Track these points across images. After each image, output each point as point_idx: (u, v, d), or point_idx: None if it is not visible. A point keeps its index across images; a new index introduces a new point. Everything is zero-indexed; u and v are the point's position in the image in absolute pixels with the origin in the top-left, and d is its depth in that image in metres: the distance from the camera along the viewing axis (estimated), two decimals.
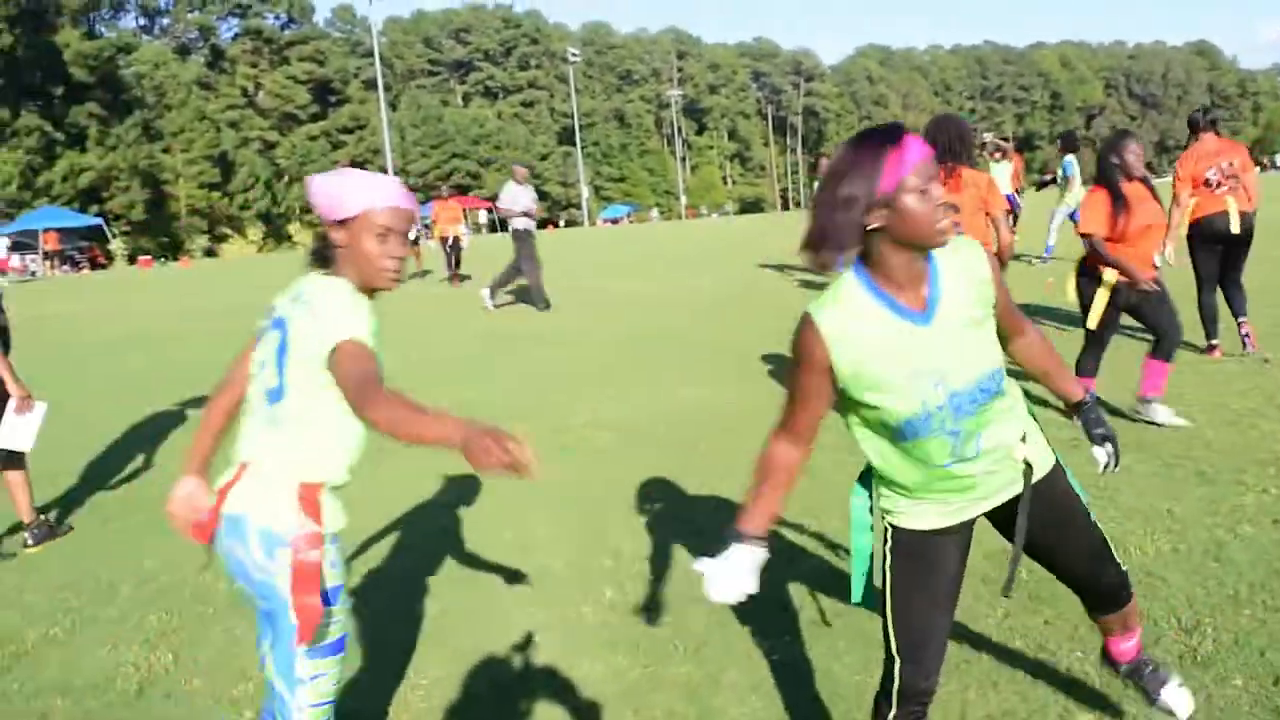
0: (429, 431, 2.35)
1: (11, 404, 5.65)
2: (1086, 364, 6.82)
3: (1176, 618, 3.87)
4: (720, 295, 16.14)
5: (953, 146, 6.16)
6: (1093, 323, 6.71)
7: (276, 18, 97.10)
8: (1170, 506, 5.07)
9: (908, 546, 2.60)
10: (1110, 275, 6.51)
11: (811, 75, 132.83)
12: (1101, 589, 2.86)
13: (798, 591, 4.47)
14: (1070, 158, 17.12)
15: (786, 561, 4.82)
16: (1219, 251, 8.45)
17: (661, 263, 23.86)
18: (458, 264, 21.53)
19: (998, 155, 17.94)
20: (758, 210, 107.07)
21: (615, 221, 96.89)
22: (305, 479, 2.61)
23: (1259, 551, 4.41)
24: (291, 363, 2.59)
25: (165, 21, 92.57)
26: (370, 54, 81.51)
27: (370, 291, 2.70)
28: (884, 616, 2.65)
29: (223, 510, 2.62)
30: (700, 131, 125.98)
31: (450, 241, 21.48)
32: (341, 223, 2.66)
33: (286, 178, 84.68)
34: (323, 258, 2.73)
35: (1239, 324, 8.40)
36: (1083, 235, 6.59)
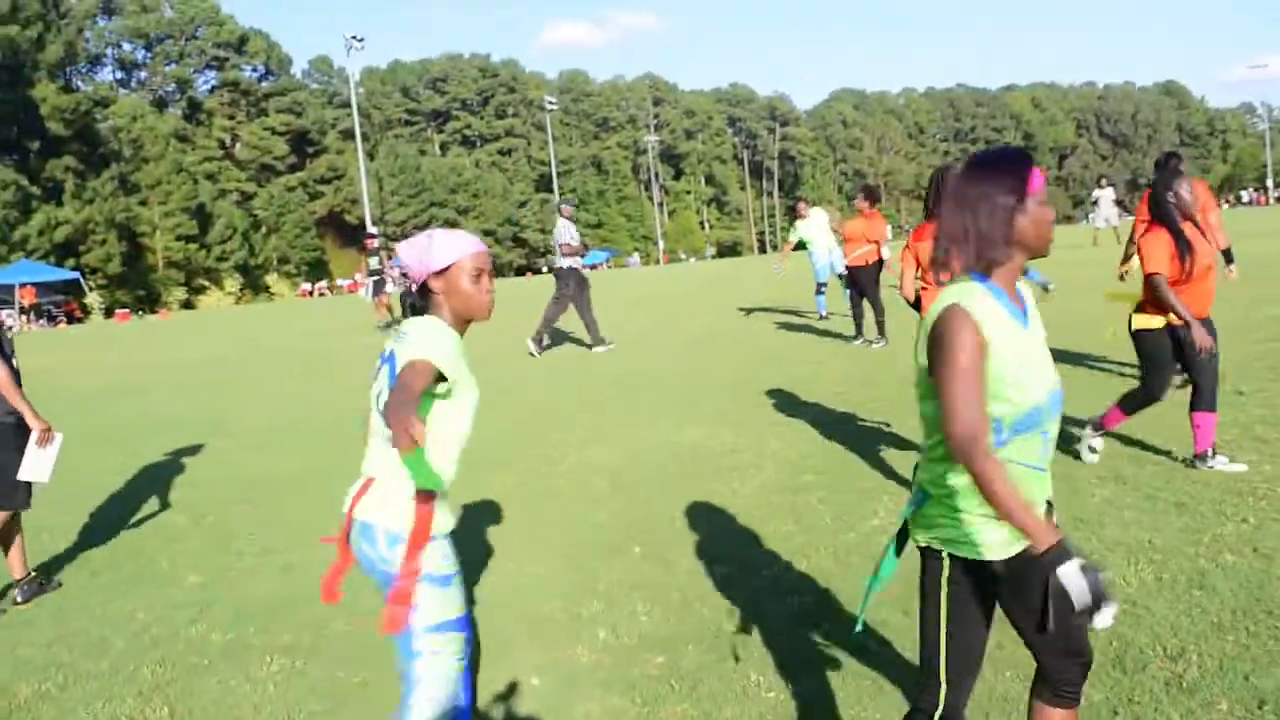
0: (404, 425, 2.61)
1: (33, 438, 5.74)
2: (1128, 404, 6.59)
3: (1162, 645, 3.94)
4: (701, 338, 16.24)
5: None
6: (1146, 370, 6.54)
7: (254, 69, 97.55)
8: (1152, 538, 5.15)
9: (968, 578, 2.63)
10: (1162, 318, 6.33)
11: (787, 120, 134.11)
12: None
13: (790, 628, 4.51)
14: None
15: (777, 598, 4.87)
16: None
17: (645, 305, 23.99)
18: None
19: None
20: (735, 254, 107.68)
21: (594, 267, 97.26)
22: (407, 492, 3.02)
23: (1241, 579, 4.49)
24: (387, 378, 3.10)
25: (142, 74, 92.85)
26: (347, 104, 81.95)
27: (465, 325, 3.19)
28: (936, 646, 2.68)
29: (355, 516, 3.13)
30: (677, 177, 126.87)
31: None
32: (438, 274, 3.13)
33: (264, 229, 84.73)
34: (417, 307, 3.21)
35: None
36: (1150, 275, 6.24)
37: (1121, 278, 9.38)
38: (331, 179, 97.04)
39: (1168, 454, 6.67)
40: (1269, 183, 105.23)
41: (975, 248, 2.56)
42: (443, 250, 3.13)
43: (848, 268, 13.92)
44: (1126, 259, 9.42)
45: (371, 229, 70.54)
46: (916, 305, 7.04)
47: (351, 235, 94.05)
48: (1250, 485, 5.85)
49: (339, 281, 79.40)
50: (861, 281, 13.64)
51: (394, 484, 3.04)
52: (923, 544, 2.68)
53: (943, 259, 2.62)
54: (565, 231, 15.75)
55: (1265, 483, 5.87)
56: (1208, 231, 8.60)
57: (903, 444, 7.78)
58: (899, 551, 2.81)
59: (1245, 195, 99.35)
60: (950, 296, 2.54)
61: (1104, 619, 2.32)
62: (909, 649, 4.17)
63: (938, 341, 2.51)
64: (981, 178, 2.58)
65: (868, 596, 2.87)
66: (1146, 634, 4.08)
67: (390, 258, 24.33)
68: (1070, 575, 2.30)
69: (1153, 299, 6.28)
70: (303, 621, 5.19)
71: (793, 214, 17.99)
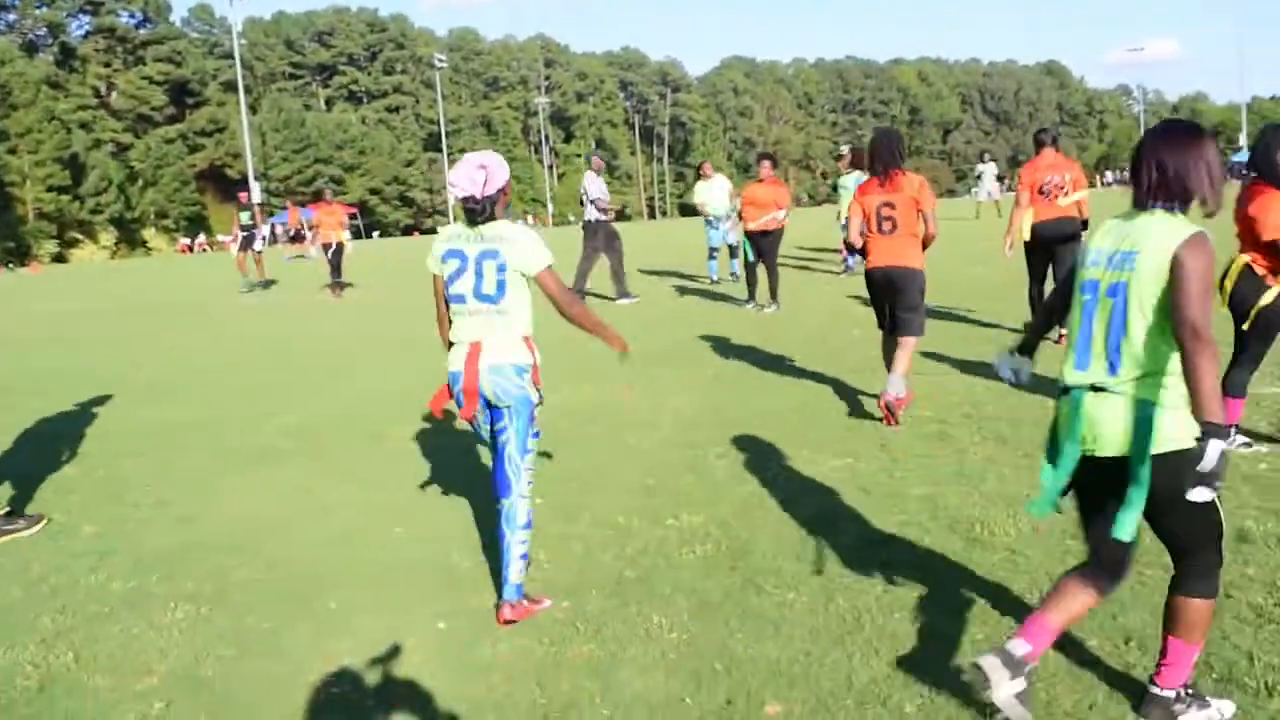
0: (591, 318, 4.76)
1: None
2: (1237, 379, 6.01)
3: (1038, 589, 4.20)
4: (593, 301, 16.34)
5: (893, 154, 7.44)
6: (1248, 326, 5.96)
7: (131, 16, 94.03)
8: (1029, 492, 5.43)
9: None
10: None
11: (678, 86, 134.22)
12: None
13: (691, 575, 4.69)
14: (857, 173, 17.72)
15: (678, 546, 5.04)
16: (1048, 252, 9.70)
17: None
18: (338, 271, 20.45)
19: (844, 166, 18.63)
20: (624, 219, 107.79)
21: None
22: (523, 334, 4.46)
23: None
24: (509, 276, 4.36)
25: (10, 17, 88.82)
26: (229, 55, 79.64)
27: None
28: (1218, 521, 3.08)
29: (481, 365, 4.36)
30: (568, 139, 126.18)
31: (333, 248, 20.28)
32: (503, 189, 4.42)
33: (141, 181, 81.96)
34: (484, 216, 4.39)
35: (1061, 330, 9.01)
36: (1271, 242, 5.73)
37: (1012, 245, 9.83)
38: (212, 132, 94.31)
39: (1043, 416, 6.99)
40: None
41: (1216, 192, 3.08)
42: (502, 170, 4.42)
43: (752, 233, 13.97)
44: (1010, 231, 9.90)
45: (254, 184, 68.98)
46: (862, 252, 7.62)
47: (233, 190, 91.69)
48: None
49: (220, 237, 77.47)
50: (763, 246, 13.82)
51: (503, 338, 4.41)
52: (1158, 452, 2.98)
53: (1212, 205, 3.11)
54: (594, 186, 15.74)
55: None
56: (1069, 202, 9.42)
57: (795, 404, 8.02)
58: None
59: (1110, 176, 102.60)
60: (1191, 227, 3.01)
61: (1203, 493, 2.87)
62: (804, 594, 4.38)
63: (1200, 260, 2.95)
64: (1208, 139, 3.12)
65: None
66: (1023, 579, 4.35)
67: (265, 215, 24.18)
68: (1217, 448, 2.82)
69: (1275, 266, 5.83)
70: (205, 570, 5.19)
71: (699, 176, 17.99)
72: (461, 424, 8.05)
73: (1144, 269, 3.00)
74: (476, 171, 4.34)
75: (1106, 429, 3.07)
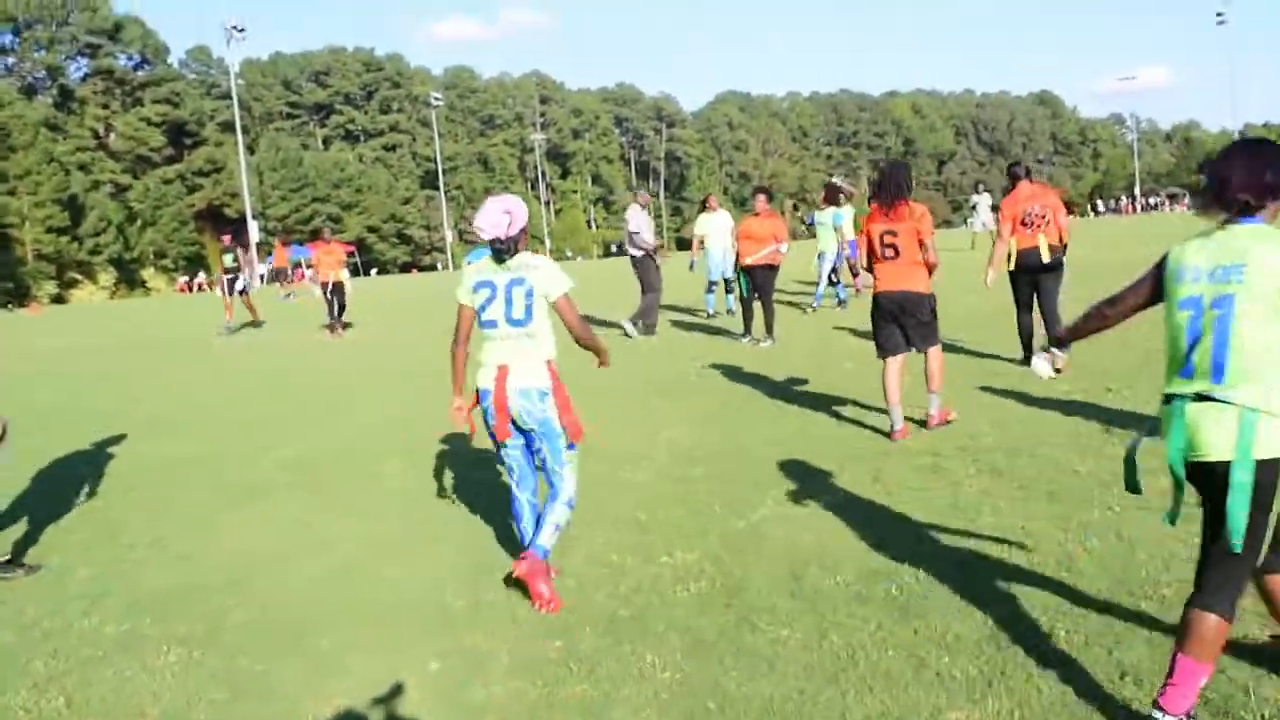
0: (600, 344, 5.32)
1: None
2: None
3: (1033, 624, 4.19)
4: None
5: (900, 186, 7.79)
6: None
7: (129, 58, 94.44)
8: (1024, 524, 5.45)
9: None
10: None
11: (673, 121, 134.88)
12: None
13: (684, 612, 4.67)
14: (833, 210, 17.86)
15: (671, 584, 5.03)
16: (1032, 280, 9.99)
17: None
18: (341, 311, 20.18)
19: (842, 199, 18.73)
20: (622, 253, 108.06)
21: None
22: (547, 359, 4.99)
23: (1105, 562, 4.79)
24: (535, 300, 4.89)
25: (10, 60, 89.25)
26: (227, 96, 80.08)
27: None
28: (1262, 537, 3.20)
29: (509, 389, 4.89)
30: (564, 175, 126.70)
31: (332, 287, 20.03)
32: (523, 230, 4.99)
33: (140, 221, 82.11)
34: (500, 253, 4.93)
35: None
36: None
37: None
38: (210, 172, 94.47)
39: (1040, 447, 7.01)
40: (1136, 191, 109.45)
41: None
42: (522, 212, 5.00)
43: (748, 267, 13.93)
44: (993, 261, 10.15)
45: (252, 223, 69.10)
46: (869, 270, 8.07)
47: (231, 229, 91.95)
48: (1116, 475, 6.16)
49: (201, 277, 77.45)
50: (760, 281, 13.81)
51: (529, 363, 4.94)
52: (1261, 458, 3.11)
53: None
54: (635, 220, 15.76)
55: None
56: (1050, 230, 9.88)
57: (788, 438, 8.02)
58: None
59: (1101, 206, 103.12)
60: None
61: None
62: (798, 631, 4.37)
63: None
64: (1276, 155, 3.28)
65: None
66: (1018, 613, 4.33)
67: (264, 253, 24.10)
68: None
69: None
70: (199, 611, 5.18)
71: (704, 209, 17.96)
72: (456, 458, 8.08)
73: (1254, 281, 3.15)
74: (501, 216, 4.91)
75: (1210, 435, 3.19)
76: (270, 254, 66.65)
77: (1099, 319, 3.86)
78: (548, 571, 4.96)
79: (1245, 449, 3.12)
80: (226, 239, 23.81)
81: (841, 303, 17.78)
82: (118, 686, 4.40)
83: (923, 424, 7.88)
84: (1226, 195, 3.27)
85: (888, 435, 7.75)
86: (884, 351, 7.87)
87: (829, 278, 18.08)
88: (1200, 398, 3.23)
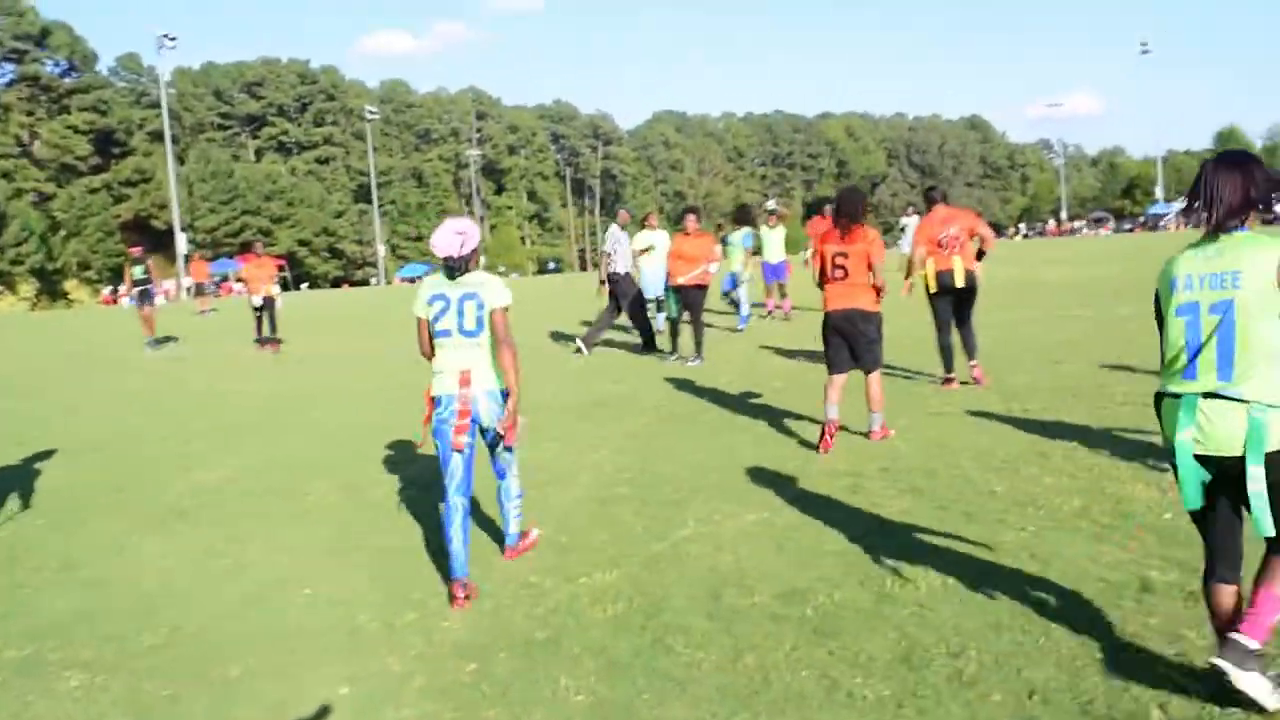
0: (513, 368, 5.39)
1: None
2: None
3: (945, 643, 4.23)
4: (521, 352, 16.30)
5: (855, 210, 8.25)
6: None
7: (56, 64, 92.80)
8: (942, 544, 5.49)
9: None
10: None
11: (609, 139, 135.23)
12: None
13: (600, 635, 4.65)
14: (744, 231, 18.05)
15: (589, 606, 5.00)
16: (951, 301, 10.25)
17: None
18: (273, 327, 19.73)
19: (773, 221, 18.88)
20: (556, 271, 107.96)
21: (413, 280, 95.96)
22: (495, 363, 5.41)
23: (1017, 583, 4.85)
24: (485, 314, 5.31)
25: None
26: (157, 105, 78.75)
27: None
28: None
29: (476, 391, 5.33)
30: (499, 192, 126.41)
31: (262, 302, 19.66)
32: (474, 250, 5.42)
33: (63, 231, 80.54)
34: (461, 269, 5.38)
35: (971, 365, 10.26)
36: None
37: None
38: (138, 182, 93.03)
39: (959, 468, 7.09)
40: (1063, 214, 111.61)
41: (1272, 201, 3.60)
42: (475, 234, 5.45)
43: (680, 287, 14.00)
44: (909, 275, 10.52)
45: (180, 235, 67.96)
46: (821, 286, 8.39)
47: (159, 240, 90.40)
48: (1031, 496, 6.29)
49: (107, 291, 76.04)
50: (690, 300, 13.85)
51: (485, 367, 5.39)
52: (1271, 450, 3.35)
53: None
54: (611, 240, 15.80)
55: (1045, 494, 6.31)
56: (965, 253, 10.22)
57: (714, 458, 8.03)
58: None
59: (1023, 229, 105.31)
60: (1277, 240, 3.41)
61: None
62: (713, 653, 4.37)
63: None
64: (1255, 161, 3.59)
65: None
66: (932, 633, 4.37)
67: (154, 268, 23.40)
68: None
69: None
70: (106, 636, 5.07)
71: (642, 224, 17.88)
72: (379, 478, 7.99)
73: (1251, 284, 3.42)
74: (454, 237, 5.36)
75: (1220, 430, 3.45)
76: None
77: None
78: (525, 544, 6.01)
79: (1258, 443, 3.36)
80: (137, 250, 23.09)
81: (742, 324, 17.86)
82: (17, 712, 4.28)
83: (866, 435, 8.32)
84: (1216, 211, 3.54)
85: (815, 448, 7.88)
86: (832, 367, 8.25)
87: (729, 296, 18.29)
88: (1209, 396, 3.47)
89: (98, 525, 7.28)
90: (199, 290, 41.72)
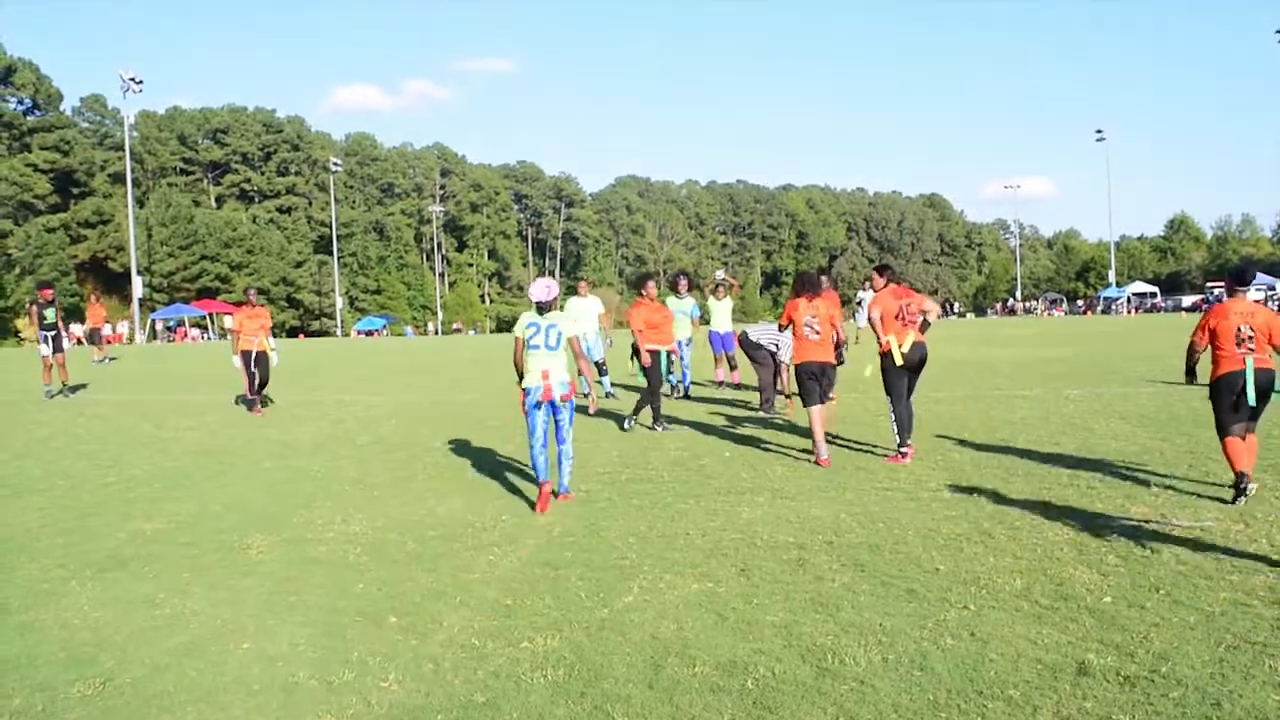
0: (585, 365, 9.76)
1: None
2: None
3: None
4: (470, 411, 16.27)
5: (819, 284, 11.33)
6: None
7: (20, 102, 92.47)
8: (882, 621, 5.53)
9: None
10: None
11: (572, 201, 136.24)
12: None
13: (539, 700, 4.62)
14: (689, 300, 18.35)
15: (530, 671, 4.98)
16: (911, 373, 10.75)
17: (418, 375, 23.79)
18: (263, 385, 17.47)
19: (720, 292, 19.04)
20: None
21: (370, 334, 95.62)
22: (567, 368, 8.87)
23: (958, 661, 4.88)
24: (562, 335, 8.79)
25: None
26: (120, 147, 78.66)
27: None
28: None
29: (552, 382, 8.70)
30: (461, 248, 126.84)
31: (255, 358, 17.11)
32: (555, 298, 8.97)
33: (18, 269, 79.59)
34: (542, 309, 8.86)
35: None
36: None
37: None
38: (97, 223, 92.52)
39: (903, 545, 7.14)
40: (1018, 294, 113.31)
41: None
42: (556, 287, 9.06)
43: (649, 351, 13.98)
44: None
45: (137, 279, 67.38)
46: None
47: (115, 282, 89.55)
48: (974, 575, 6.34)
49: (100, 329, 75.25)
50: (651, 368, 13.83)
51: (560, 369, 8.70)
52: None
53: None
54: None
55: (987, 573, 6.37)
56: (917, 330, 10.80)
57: (661, 526, 8.04)
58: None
59: (958, 306, 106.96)
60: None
61: None
62: (652, 716, 4.35)
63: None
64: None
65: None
66: (870, 710, 4.38)
67: (64, 315, 22.17)
68: None
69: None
70: (36, 684, 4.97)
71: (572, 291, 18.03)
72: (324, 534, 7.94)
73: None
74: (546, 289, 8.91)
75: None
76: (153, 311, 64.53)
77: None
78: (567, 497, 8.98)
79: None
80: (47, 293, 21.56)
81: (674, 388, 17.72)
82: None
83: (816, 462, 10.51)
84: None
85: (751, 532, 7.90)
86: (809, 401, 10.72)
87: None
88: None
89: (31, 571, 7.14)
90: (92, 337, 37.27)
